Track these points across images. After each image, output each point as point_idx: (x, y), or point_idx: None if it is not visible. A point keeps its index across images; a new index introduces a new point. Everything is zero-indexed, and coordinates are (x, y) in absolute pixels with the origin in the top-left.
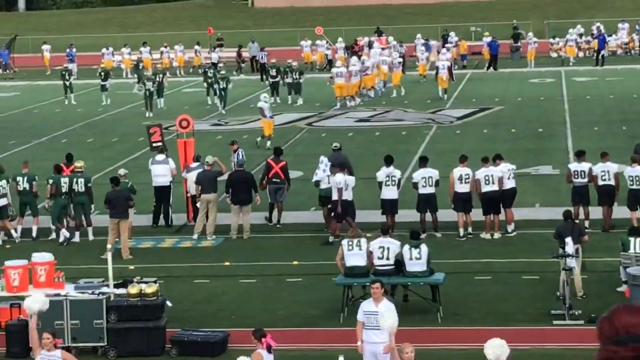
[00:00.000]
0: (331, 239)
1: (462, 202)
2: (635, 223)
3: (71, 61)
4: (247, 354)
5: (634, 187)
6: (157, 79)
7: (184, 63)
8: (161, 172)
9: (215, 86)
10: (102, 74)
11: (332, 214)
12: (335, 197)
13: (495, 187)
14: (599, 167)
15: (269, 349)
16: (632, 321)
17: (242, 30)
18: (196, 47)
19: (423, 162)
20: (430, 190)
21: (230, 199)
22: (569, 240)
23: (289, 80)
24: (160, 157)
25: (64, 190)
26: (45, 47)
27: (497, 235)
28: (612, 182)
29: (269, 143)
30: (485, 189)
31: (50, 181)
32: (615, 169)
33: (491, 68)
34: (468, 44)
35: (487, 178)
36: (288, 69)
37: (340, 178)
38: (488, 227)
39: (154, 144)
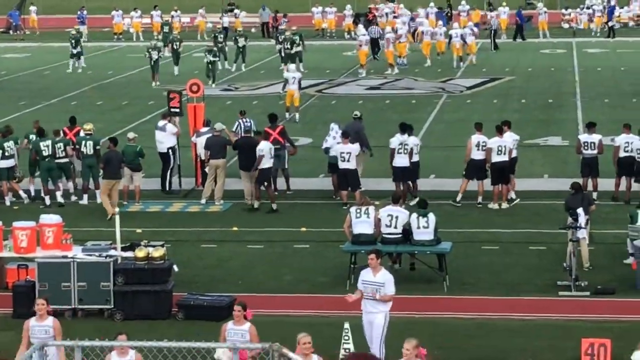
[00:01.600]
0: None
1: (476, 170)
2: None
3: (82, 23)
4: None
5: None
6: (175, 46)
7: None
8: (159, 138)
9: (227, 49)
10: (73, 41)
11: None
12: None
13: (506, 158)
14: (623, 138)
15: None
16: None
17: None
18: (200, 10)
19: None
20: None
21: (239, 164)
22: (580, 211)
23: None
24: (161, 122)
25: (45, 154)
26: (32, 8)
27: (504, 205)
28: (635, 154)
29: (297, 116)
30: (496, 159)
31: (30, 142)
32: (638, 141)
33: (518, 38)
34: (481, 13)
35: (500, 148)
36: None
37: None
38: (496, 197)
39: (172, 109)
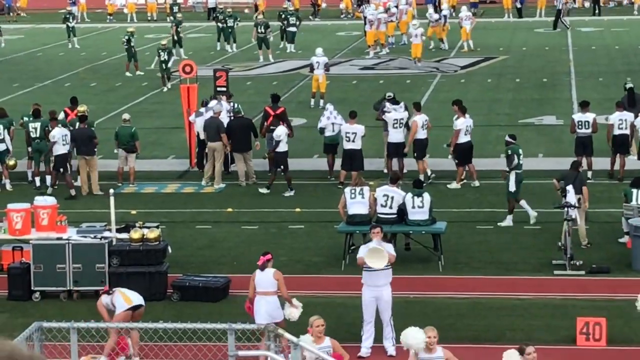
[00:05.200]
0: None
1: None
2: None
3: (73, 4)
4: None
5: None
6: (179, 29)
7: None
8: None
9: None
10: (69, 17)
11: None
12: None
13: (469, 138)
14: (617, 116)
15: (261, 267)
16: None
17: None
18: None
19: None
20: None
21: (232, 147)
22: (570, 188)
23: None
24: (211, 103)
25: (33, 135)
26: None
27: (477, 183)
28: (628, 132)
29: (321, 102)
30: (463, 139)
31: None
32: (632, 118)
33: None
34: None
35: (467, 129)
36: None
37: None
38: (459, 177)
39: (218, 89)
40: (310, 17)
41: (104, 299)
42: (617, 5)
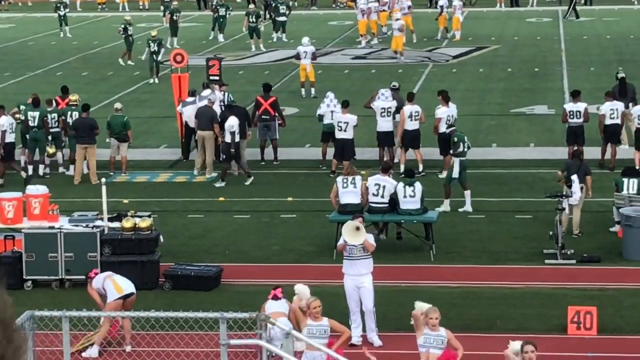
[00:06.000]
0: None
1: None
2: (638, 163)
3: None
4: (240, 288)
5: None
6: (175, 17)
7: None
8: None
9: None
10: (60, 5)
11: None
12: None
13: (454, 127)
14: (608, 106)
15: (275, 298)
16: None
17: None
18: None
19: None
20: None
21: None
22: (574, 177)
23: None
24: (205, 92)
25: (31, 124)
26: None
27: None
28: (619, 121)
29: (312, 90)
30: (443, 129)
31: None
32: (622, 108)
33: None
34: None
35: (448, 118)
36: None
37: (344, 117)
38: (447, 165)
39: (211, 77)
40: (307, 5)
41: (95, 282)
42: None
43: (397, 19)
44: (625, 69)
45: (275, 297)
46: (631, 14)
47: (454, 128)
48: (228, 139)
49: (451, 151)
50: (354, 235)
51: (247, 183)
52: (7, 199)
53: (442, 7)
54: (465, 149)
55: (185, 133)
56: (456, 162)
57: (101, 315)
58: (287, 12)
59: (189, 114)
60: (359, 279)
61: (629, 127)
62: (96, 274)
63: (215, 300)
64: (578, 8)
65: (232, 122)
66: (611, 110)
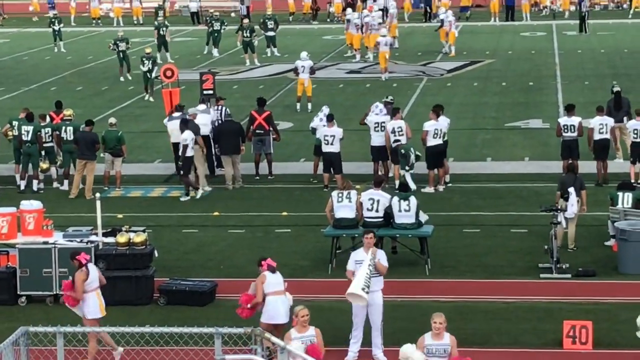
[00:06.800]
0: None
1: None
2: (634, 177)
3: (52, 8)
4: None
5: (638, 139)
6: (162, 32)
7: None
8: (201, 122)
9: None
10: (55, 20)
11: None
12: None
13: (441, 141)
14: (597, 120)
15: (272, 269)
16: None
17: None
18: None
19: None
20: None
21: (219, 149)
22: (572, 190)
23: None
24: (201, 106)
25: (24, 138)
26: None
27: (441, 188)
28: (609, 136)
29: (309, 105)
30: (432, 142)
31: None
32: (612, 123)
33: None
34: None
35: (436, 132)
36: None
37: (330, 131)
38: (432, 181)
39: (205, 92)
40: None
41: (90, 280)
42: (603, 9)
43: (384, 35)
44: (620, 83)
45: (272, 268)
46: (625, 28)
47: (399, 142)
48: (189, 153)
49: (406, 167)
50: (357, 299)
51: (198, 196)
52: (1, 214)
53: (442, 20)
54: (414, 161)
55: (173, 148)
56: (408, 175)
57: (96, 331)
58: (275, 26)
59: (171, 128)
60: (370, 295)
61: (623, 141)
62: (87, 260)
63: (210, 315)
64: (572, 22)
65: (186, 136)
66: (600, 125)
